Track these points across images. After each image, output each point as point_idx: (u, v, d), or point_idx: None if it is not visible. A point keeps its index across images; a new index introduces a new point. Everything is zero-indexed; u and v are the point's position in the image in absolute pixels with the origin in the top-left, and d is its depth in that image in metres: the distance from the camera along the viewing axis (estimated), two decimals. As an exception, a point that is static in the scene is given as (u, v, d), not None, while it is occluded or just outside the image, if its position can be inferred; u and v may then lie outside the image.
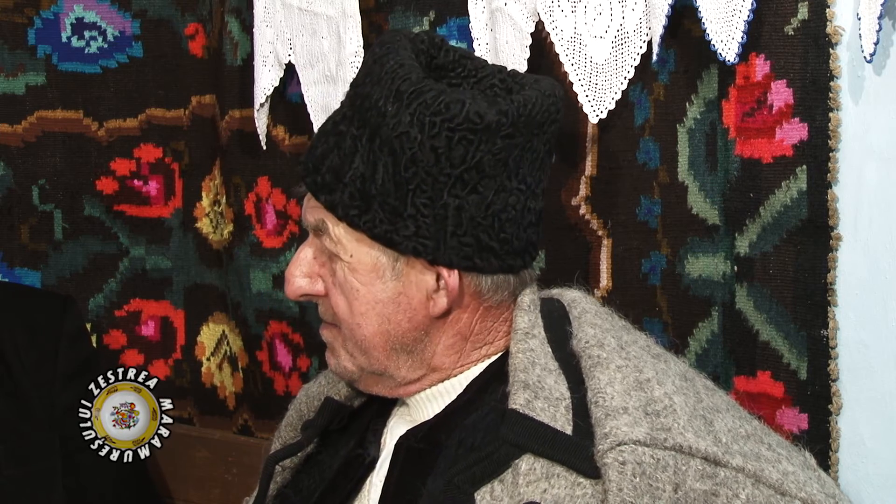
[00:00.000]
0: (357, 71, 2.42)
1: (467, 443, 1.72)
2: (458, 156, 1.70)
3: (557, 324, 1.79)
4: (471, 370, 1.81)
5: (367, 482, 1.83)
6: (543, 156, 1.78)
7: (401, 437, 1.82)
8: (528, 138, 1.74)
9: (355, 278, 1.77)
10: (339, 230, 1.76)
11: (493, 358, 1.81)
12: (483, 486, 1.66)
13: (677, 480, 1.62)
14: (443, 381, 1.81)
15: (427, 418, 1.82)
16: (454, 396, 1.81)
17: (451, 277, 1.75)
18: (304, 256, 1.82)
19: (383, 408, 1.88)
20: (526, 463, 1.65)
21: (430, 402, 1.82)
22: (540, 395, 1.69)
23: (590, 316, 1.80)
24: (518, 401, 1.68)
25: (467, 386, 1.80)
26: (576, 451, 1.64)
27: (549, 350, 1.75)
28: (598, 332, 1.77)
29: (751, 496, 1.64)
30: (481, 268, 1.76)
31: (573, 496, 1.62)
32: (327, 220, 1.77)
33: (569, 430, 1.66)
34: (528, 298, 1.80)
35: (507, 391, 1.71)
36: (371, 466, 1.83)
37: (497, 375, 1.77)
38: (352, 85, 1.81)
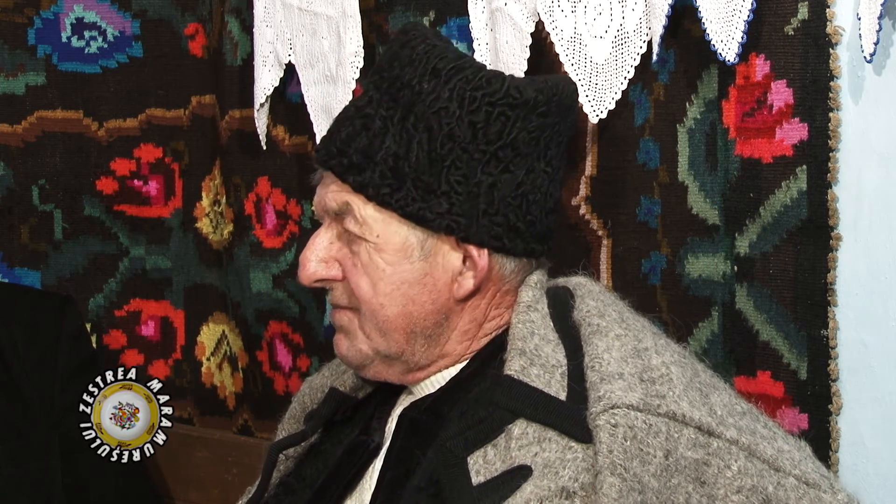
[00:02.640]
0: (358, 69, 2.45)
1: (469, 414, 1.72)
2: (495, 132, 1.73)
3: (561, 301, 1.81)
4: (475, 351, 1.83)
5: (371, 468, 1.83)
6: (565, 141, 1.80)
7: (404, 408, 1.83)
8: (558, 119, 1.77)
9: (381, 258, 1.77)
10: (366, 211, 1.76)
11: (499, 332, 1.82)
12: (476, 451, 1.67)
13: (669, 447, 1.62)
14: (448, 368, 1.82)
15: (431, 391, 1.83)
16: (458, 370, 1.82)
17: (482, 257, 1.76)
18: (320, 241, 1.82)
19: (388, 396, 1.89)
20: (519, 427, 1.66)
21: (434, 384, 1.83)
22: (536, 362, 1.71)
23: (594, 293, 1.82)
24: (513, 367, 1.70)
25: (470, 360, 1.82)
26: (568, 415, 1.65)
27: (551, 323, 1.77)
28: (599, 304, 1.78)
29: (743, 468, 1.65)
30: (508, 249, 1.77)
31: (563, 459, 1.62)
32: (353, 201, 1.77)
33: (563, 396, 1.67)
34: (536, 277, 1.82)
35: (504, 359, 1.72)
36: (375, 453, 1.83)
37: (501, 347, 1.77)
38: (374, 72, 1.81)
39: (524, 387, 1.68)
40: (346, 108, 1.83)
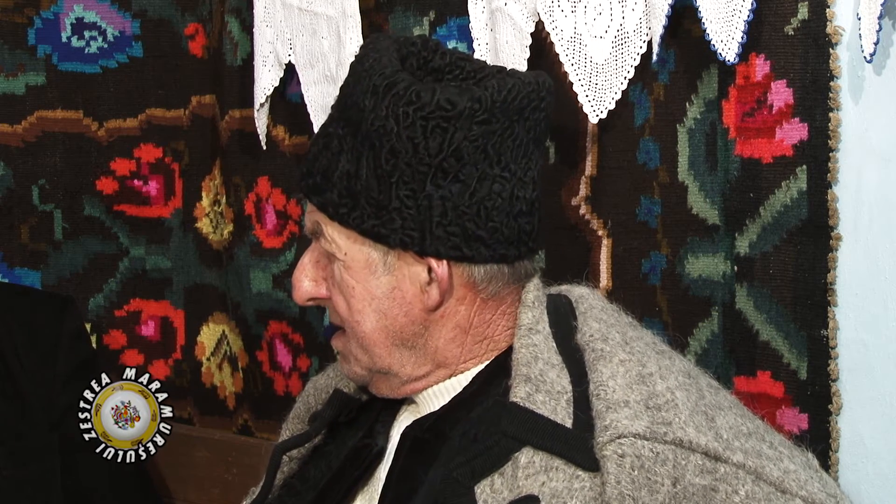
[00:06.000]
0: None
1: (470, 435, 1.72)
2: (435, 145, 1.71)
3: (563, 319, 1.80)
4: (476, 367, 1.82)
5: (375, 473, 1.83)
6: (528, 143, 1.77)
7: (407, 427, 1.83)
8: (506, 124, 1.74)
9: (350, 276, 1.78)
10: (331, 230, 1.78)
11: (499, 353, 1.82)
12: (483, 480, 1.67)
13: (676, 475, 1.62)
14: (449, 378, 1.82)
15: (433, 410, 1.83)
16: (460, 389, 1.81)
17: (441, 268, 1.76)
18: (307, 261, 1.85)
19: (393, 400, 1.89)
20: (525, 456, 1.65)
21: (436, 398, 1.83)
22: (541, 388, 1.70)
23: (596, 311, 1.81)
24: (519, 394, 1.69)
25: (473, 378, 1.81)
26: (575, 444, 1.64)
27: (553, 345, 1.76)
28: (602, 326, 1.77)
29: (750, 492, 1.64)
30: (470, 257, 1.76)
31: (571, 489, 1.62)
32: (321, 221, 1.79)
33: (569, 424, 1.67)
34: (533, 295, 1.80)
35: (509, 385, 1.72)
36: (379, 456, 1.84)
37: (502, 369, 1.77)
38: (340, 89, 1.82)
39: (530, 414, 1.67)
40: (320, 127, 1.84)
